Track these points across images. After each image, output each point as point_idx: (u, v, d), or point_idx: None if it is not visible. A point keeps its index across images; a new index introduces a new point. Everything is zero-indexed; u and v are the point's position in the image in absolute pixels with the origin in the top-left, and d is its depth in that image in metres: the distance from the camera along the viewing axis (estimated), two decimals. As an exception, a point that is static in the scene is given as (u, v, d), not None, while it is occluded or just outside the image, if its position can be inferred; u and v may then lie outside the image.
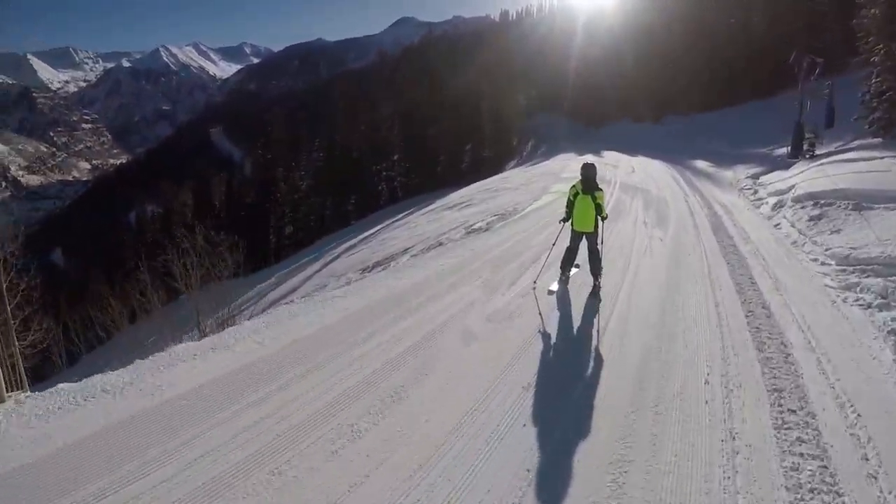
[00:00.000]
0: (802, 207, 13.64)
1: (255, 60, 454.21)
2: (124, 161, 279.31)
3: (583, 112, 61.79)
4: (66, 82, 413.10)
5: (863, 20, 21.19)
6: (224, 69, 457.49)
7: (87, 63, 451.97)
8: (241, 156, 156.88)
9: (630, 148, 41.97)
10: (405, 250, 17.78)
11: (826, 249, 10.76)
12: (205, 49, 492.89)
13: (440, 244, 15.73)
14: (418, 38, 79.95)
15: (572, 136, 57.27)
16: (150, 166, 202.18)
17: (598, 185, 9.44)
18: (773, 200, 16.46)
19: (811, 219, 12.67)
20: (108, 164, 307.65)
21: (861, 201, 12.14)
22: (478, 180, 40.16)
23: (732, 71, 44.75)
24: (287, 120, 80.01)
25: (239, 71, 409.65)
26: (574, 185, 9.62)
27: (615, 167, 32.09)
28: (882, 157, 15.86)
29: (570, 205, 9.61)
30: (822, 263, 10.33)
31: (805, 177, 16.70)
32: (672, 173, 28.48)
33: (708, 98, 46.98)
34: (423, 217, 27.30)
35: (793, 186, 16.05)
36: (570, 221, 9.71)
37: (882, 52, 19.44)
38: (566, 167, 32.85)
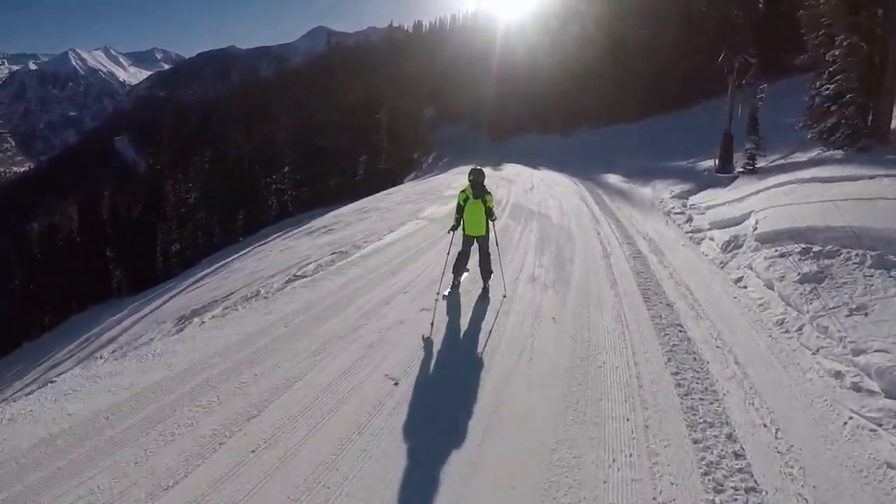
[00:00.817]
0: (780, 254, 8.93)
1: (166, 66, 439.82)
2: (28, 168, 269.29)
3: (492, 125, 59.65)
4: None
5: (811, 11, 17.09)
6: (134, 75, 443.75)
7: None
8: (145, 166, 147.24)
9: (535, 161, 39.26)
10: (227, 296, 14.49)
11: (863, 364, 5.68)
12: (115, 54, 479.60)
13: (257, 293, 11.54)
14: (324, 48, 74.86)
15: (477, 148, 54.94)
16: (50, 176, 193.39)
17: (486, 189, 9.39)
18: (719, 235, 12.01)
19: (803, 279, 7.81)
20: (11, 171, 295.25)
21: (883, 249, 7.51)
22: (372, 193, 36.16)
23: (645, 82, 42.17)
24: (182, 128, 74.16)
25: (149, 77, 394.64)
26: (464, 191, 9.42)
27: (510, 182, 28.10)
28: (872, 177, 10.83)
29: (460, 209, 9.44)
30: (870, 414, 5.10)
31: (763, 201, 12.11)
32: (580, 191, 24.86)
33: (622, 110, 44.61)
34: (280, 243, 24.02)
35: (748, 214, 11.67)
36: (460, 227, 9.57)
37: (846, 46, 15.34)
38: (454, 181, 28.89)
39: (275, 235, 31.12)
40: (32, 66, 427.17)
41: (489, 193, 9.33)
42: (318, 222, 25.51)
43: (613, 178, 27.02)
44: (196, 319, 12.13)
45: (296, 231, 26.32)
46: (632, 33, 43.68)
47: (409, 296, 9.45)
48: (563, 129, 50.18)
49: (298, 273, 11.99)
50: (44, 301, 55.14)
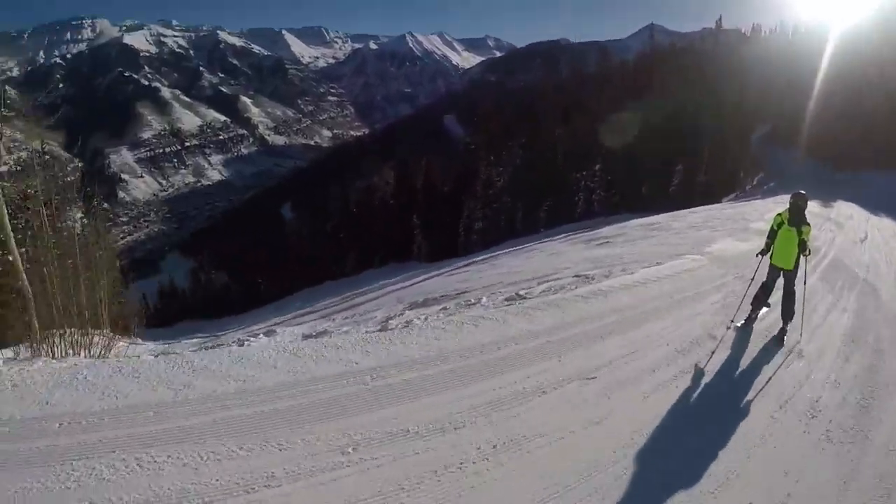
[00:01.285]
0: None
1: (498, 54, 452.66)
2: (363, 133, 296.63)
3: (827, 153, 51.59)
4: (316, 58, 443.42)
5: None
6: (467, 59, 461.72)
7: (336, 42, 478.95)
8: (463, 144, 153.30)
9: (878, 206, 31.94)
10: (461, 293, 14.03)
11: None
12: (449, 39, 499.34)
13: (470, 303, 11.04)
14: (652, 47, 72.06)
15: (809, 177, 46.44)
16: (383, 141, 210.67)
17: (806, 218, 8.69)
18: None
19: None
20: (349, 134, 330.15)
21: None
22: (685, 207, 34.64)
23: None
24: (502, 113, 75.88)
25: (481, 63, 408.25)
26: (780, 214, 8.90)
27: (838, 227, 22.43)
28: None
29: (773, 234, 9.00)
30: None
31: None
32: None
33: None
34: (556, 245, 23.38)
35: None
36: (769, 255, 9.12)
37: None
38: (769, 211, 22.92)
39: (563, 235, 30.17)
40: (373, 46, 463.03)
41: (807, 224, 8.63)
42: (606, 230, 24.23)
43: None
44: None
45: (579, 235, 25.48)
46: None
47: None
48: None
49: (523, 293, 10.75)
50: (349, 249, 60.72)
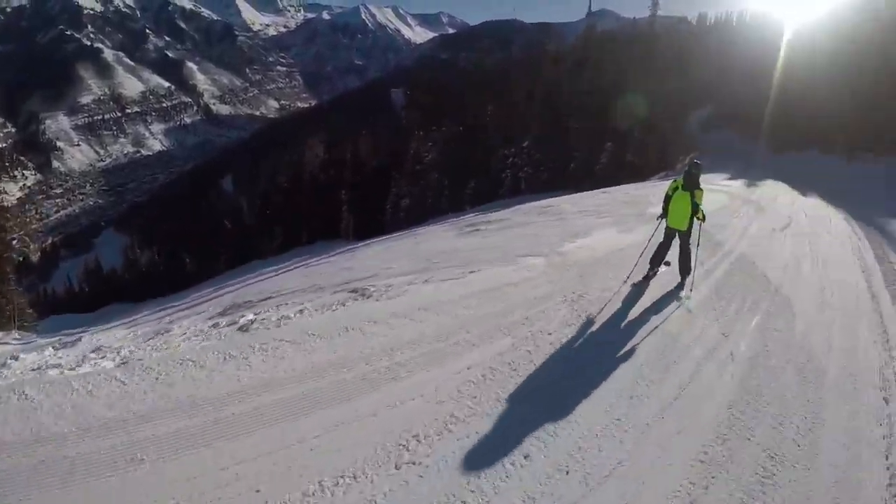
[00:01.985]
0: None
1: (451, 31, 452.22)
2: (310, 105, 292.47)
3: (767, 135, 51.58)
4: (267, 25, 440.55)
5: None
6: (420, 35, 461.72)
7: (289, 10, 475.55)
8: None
9: (806, 185, 29.22)
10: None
11: None
12: (403, 13, 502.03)
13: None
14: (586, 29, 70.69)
15: (744, 157, 46.97)
16: (329, 113, 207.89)
17: (699, 183, 8.95)
18: None
19: None
20: (296, 105, 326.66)
21: None
22: (613, 185, 33.91)
23: None
24: (442, 90, 74.14)
25: (433, 39, 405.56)
26: (676, 180, 9.24)
27: (759, 211, 19.44)
28: None
29: (668, 199, 9.31)
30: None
31: None
32: (860, 248, 15.27)
33: None
34: (428, 232, 21.32)
35: None
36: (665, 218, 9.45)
37: None
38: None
39: (453, 218, 27.96)
40: (326, 16, 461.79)
41: (700, 189, 8.94)
42: (496, 214, 22.00)
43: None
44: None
45: (466, 218, 23.16)
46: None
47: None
48: (847, 153, 40.22)
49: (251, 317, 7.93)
50: (276, 226, 58.52)
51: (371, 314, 7.69)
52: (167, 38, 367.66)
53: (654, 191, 22.08)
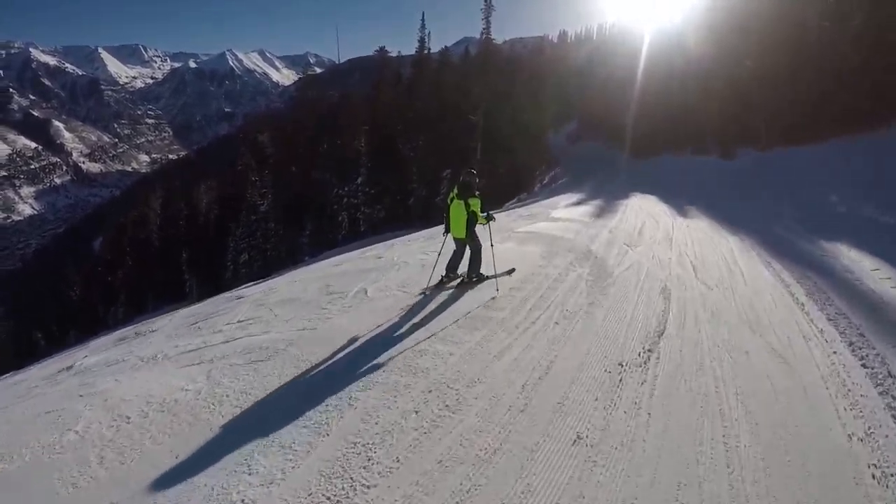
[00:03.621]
0: None
1: (319, 70, 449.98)
2: (178, 156, 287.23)
3: (634, 142, 48.40)
4: (134, 78, 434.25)
5: None
6: (287, 76, 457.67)
7: (155, 61, 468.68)
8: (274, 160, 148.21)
9: (685, 194, 23.16)
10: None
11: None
12: (270, 56, 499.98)
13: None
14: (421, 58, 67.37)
15: (613, 167, 43.95)
16: (196, 164, 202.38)
17: (474, 192, 8.75)
18: None
19: None
20: (167, 158, 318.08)
21: None
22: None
23: (823, 93, 28.80)
24: (284, 130, 69.84)
25: (299, 79, 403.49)
26: (452, 190, 9.02)
27: (600, 276, 9.61)
28: None
29: (447, 209, 9.11)
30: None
31: None
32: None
33: (808, 126, 30.09)
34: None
35: None
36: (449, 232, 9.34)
37: None
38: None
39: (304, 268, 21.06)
40: (192, 65, 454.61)
41: (475, 197, 8.64)
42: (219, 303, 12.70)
43: (849, 256, 11.07)
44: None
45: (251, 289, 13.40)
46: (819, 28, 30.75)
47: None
48: (724, 151, 36.35)
49: None
50: (121, 291, 53.48)
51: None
52: (31, 97, 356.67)
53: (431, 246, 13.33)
